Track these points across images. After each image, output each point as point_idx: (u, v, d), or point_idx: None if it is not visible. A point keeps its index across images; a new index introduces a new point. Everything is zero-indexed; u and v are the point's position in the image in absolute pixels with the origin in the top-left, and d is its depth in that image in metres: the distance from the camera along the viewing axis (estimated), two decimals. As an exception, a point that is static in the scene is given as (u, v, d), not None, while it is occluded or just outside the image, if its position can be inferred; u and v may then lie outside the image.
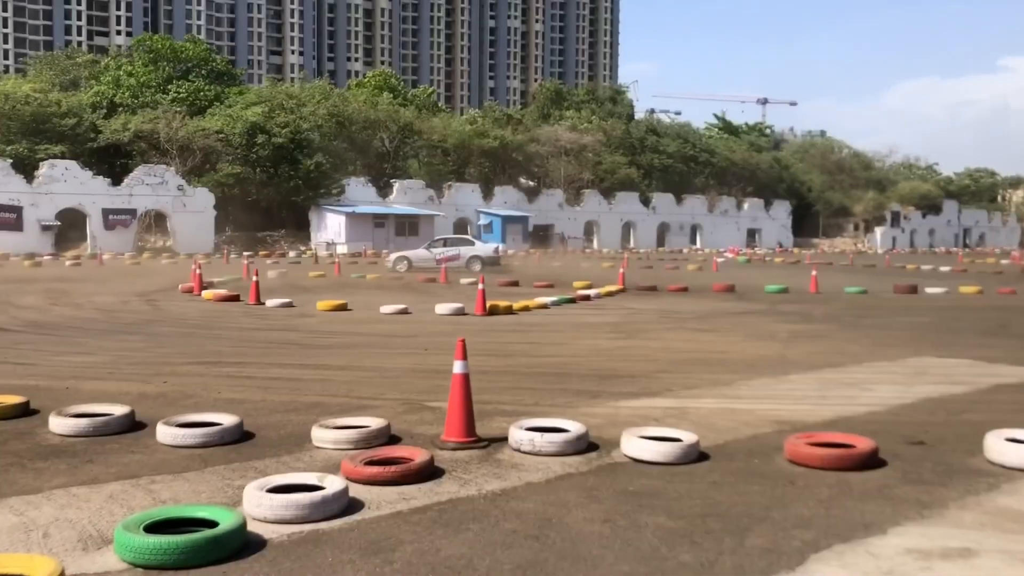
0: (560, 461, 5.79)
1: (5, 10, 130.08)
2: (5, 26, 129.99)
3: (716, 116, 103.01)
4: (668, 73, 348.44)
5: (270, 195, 53.80)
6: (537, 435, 5.96)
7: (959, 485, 5.34)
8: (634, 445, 5.85)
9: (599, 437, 6.36)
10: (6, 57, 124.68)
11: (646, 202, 73.34)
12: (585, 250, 62.25)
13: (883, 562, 4.05)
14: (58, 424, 6.46)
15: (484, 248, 34.45)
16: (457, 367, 6.09)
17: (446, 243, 34.12)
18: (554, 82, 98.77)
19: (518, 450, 5.98)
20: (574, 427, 6.16)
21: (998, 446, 5.83)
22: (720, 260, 43.92)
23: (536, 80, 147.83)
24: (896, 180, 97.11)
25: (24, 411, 7.13)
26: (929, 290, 22.95)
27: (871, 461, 5.71)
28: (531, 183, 70.10)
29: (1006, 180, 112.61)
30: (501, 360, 10.33)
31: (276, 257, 44.86)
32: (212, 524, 4.16)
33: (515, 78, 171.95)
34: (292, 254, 48.02)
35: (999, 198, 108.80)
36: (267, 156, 52.72)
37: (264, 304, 17.86)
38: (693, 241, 75.77)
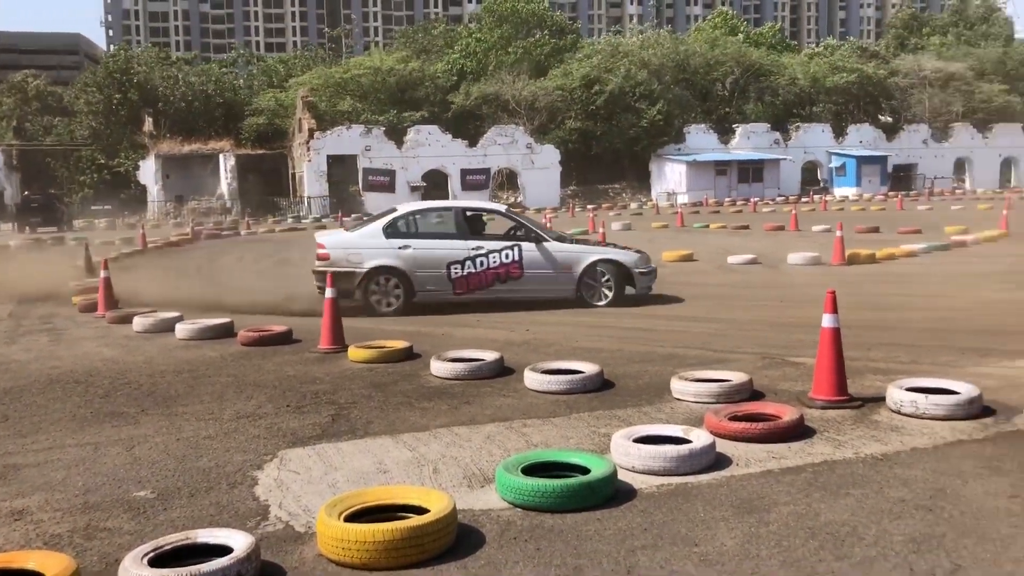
0: (949, 426, 5.19)
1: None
2: (374, 4, 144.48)
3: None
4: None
5: (611, 147, 54.70)
6: (921, 396, 5.39)
7: None
8: (1043, 412, 5.09)
9: (995, 401, 5.63)
10: (376, 34, 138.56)
11: (1031, 133, 64.15)
12: (955, 191, 56.01)
13: None
14: (438, 367, 7.03)
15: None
16: (827, 320, 5.68)
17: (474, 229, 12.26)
18: (911, 7, 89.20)
19: (898, 412, 5.46)
20: (965, 389, 5.49)
21: None
22: None
23: (893, 6, 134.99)
24: None
25: (408, 355, 7.86)
26: None
27: None
28: (889, 119, 64.28)
29: None
30: (868, 314, 9.58)
31: (618, 209, 45.63)
32: (584, 470, 4.25)
33: (869, 6, 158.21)
34: (634, 206, 48.54)
35: None
36: (604, 106, 53.58)
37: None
38: (1093, 177, 65.05)
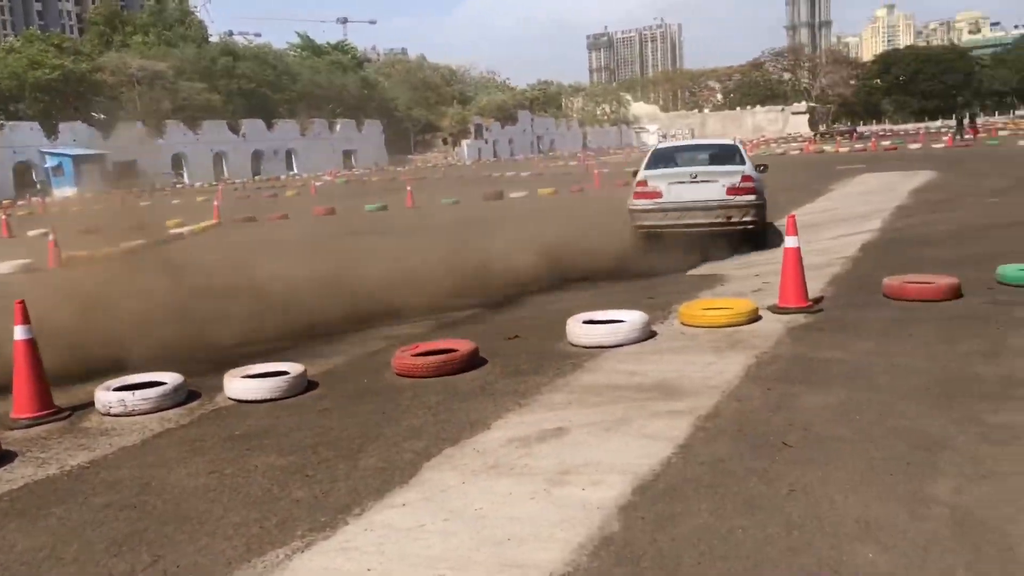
0: (158, 417, 5.31)
1: None
2: None
3: (299, 35, 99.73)
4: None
5: None
6: (128, 394, 5.40)
7: (549, 370, 5.80)
8: (237, 386, 5.54)
9: (200, 384, 5.94)
10: None
11: (236, 130, 70.01)
12: (176, 186, 58.08)
13: (488, 456, 4.25)
14: None
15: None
16: (19, 333, 5.28)
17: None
18: (111, 4, 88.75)
19: (108, 414, 5.37)
20: (170, 378, 5.67)
21: (577, 330, 6.42)
22: (318, 184, 43.53)
23: (93, 2, 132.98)
24: (476, 94, 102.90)
25: None
26: (513, 195, 24.89)
27: (473, 362, 5.98)
28: (103, 117, 63.37)
29: (568, 88, 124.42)
30: (81, 320, 9.23)
31: None
32: None
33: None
34: None
35: (562, 106, 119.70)
36: None
37: None
38: (290, 167, 74.08)
